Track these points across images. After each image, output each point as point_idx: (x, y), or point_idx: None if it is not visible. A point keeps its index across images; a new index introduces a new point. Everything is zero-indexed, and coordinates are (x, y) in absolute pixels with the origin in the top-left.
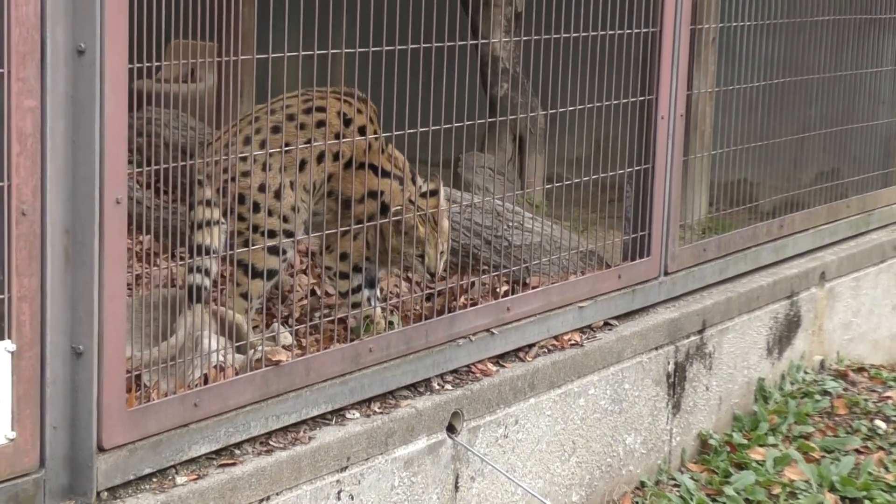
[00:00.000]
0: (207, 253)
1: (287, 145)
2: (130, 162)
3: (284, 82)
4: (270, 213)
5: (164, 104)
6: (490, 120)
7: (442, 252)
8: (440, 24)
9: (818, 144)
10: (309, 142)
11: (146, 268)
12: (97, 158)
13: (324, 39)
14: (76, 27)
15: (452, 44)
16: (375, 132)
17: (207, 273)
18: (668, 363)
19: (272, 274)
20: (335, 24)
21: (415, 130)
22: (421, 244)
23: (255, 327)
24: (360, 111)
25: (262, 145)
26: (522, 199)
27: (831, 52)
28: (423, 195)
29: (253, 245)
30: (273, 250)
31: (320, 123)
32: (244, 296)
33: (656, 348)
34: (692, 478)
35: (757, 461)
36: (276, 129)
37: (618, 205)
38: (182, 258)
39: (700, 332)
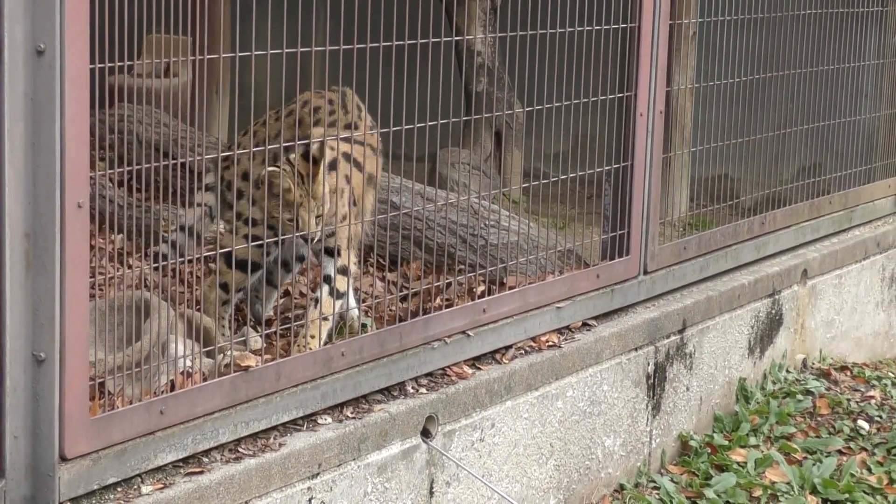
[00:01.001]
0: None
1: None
2: (102, 160)
3: (266, 80)
4: (253, 203)
5: (137, 100)
6: (469, 118)
7: (319, 216)
8: (417, 19)
9: (800, 140)
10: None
11: (118, 268)
12: (58, 161)
13: (301, 36)
14: (35, 27)
15: (430, 40)
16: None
17: (174, 246)
18: (648, 364)
19: (255, 267)
20: (312, 21)
21: (394, 128)
22: (293, 207)
23: (221, 318)
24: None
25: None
26: (500, 195)
27: (812, 46)
28: (304, 157)
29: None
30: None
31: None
32: (224, 286)
33: (636, 349)
34: (672, 480)
35: (738, 463)
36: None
37: (598, 201)
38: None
39: (680, 331)
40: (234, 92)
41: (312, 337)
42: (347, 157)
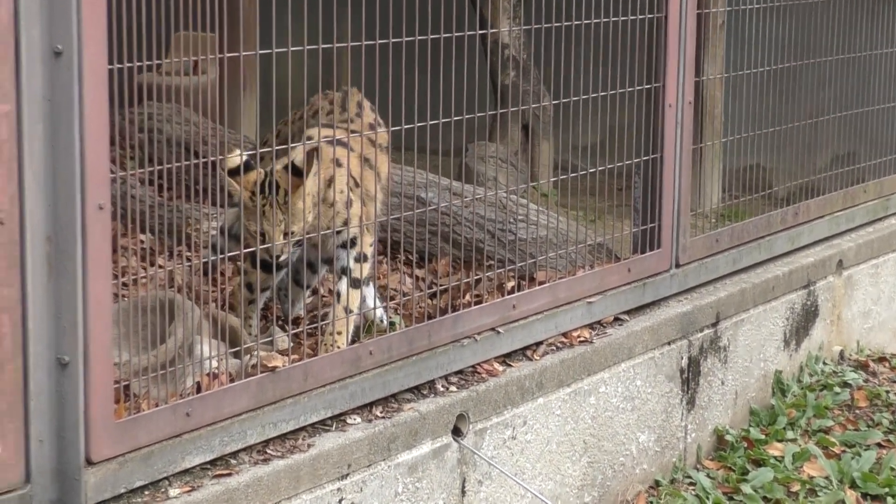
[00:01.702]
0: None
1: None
2: (131, 158)
3: (289, 76)
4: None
5: (165, 98)
6: (497, 112)
7: (291, 233)
8: (445, 13)
9: (833, 128)
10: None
11: (145, 268)
12: (78, 163)
13: (328, 33)
14: (52, 28)
15: (459, 34)
16: None
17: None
18: (682, 358)
19: (278, 267)
20: (339, 16)
21: (423, 124)
22: (257, 220)
23: (248, 318)
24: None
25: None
26: (530, 189)
27: (844, 32)
28: (286, 168)
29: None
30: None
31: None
32: (249, 286)
33: (669, 343)
34: (708, 475)
35: (775, 457)
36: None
37: (628, 193)
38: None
39: (714, 325)
40: (265, 89)
41: (339, 333)
42: (345, 150)
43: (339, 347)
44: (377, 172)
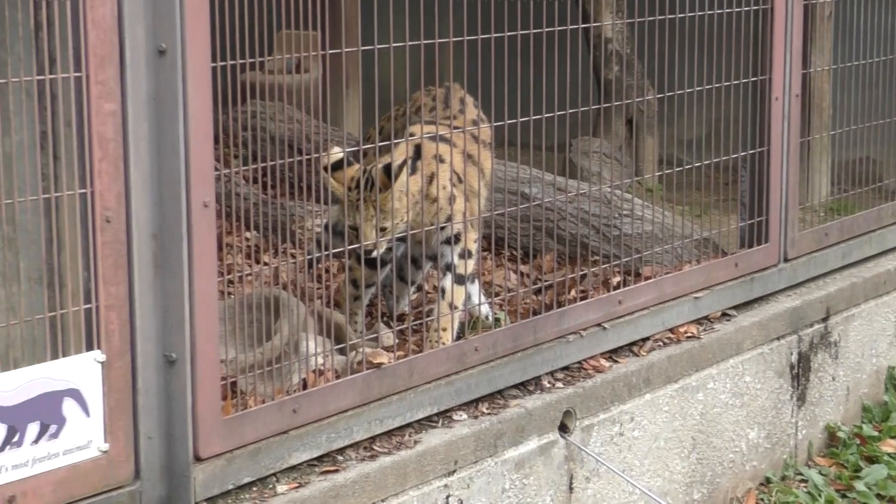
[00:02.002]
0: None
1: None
2: (236, 157)
3: (391, 73)
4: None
5: (269, 96)
6: (602, 106)
7: (384, 229)
8: (548, 7)
9: None
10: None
11: (250, 265)
12: (182, 161)
13: (430, 28)
14: (156, 27)
15: (562, 28)
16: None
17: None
18: (791, 353)
19: (382, 263)
20: (442, 12)
21: (527, 119)
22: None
23: (353, 315)
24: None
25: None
26: (635, 184)
27: None
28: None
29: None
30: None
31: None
32: (354, 282)
33: (778, 338)
34: (820, 472)
35: (889, 454)
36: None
37: (735, 187)
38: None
39: (824, 319)
40: (368, 86)
41: (444, 330)
42: (447, 146)
43: (443, 344)
44: (481, 169)
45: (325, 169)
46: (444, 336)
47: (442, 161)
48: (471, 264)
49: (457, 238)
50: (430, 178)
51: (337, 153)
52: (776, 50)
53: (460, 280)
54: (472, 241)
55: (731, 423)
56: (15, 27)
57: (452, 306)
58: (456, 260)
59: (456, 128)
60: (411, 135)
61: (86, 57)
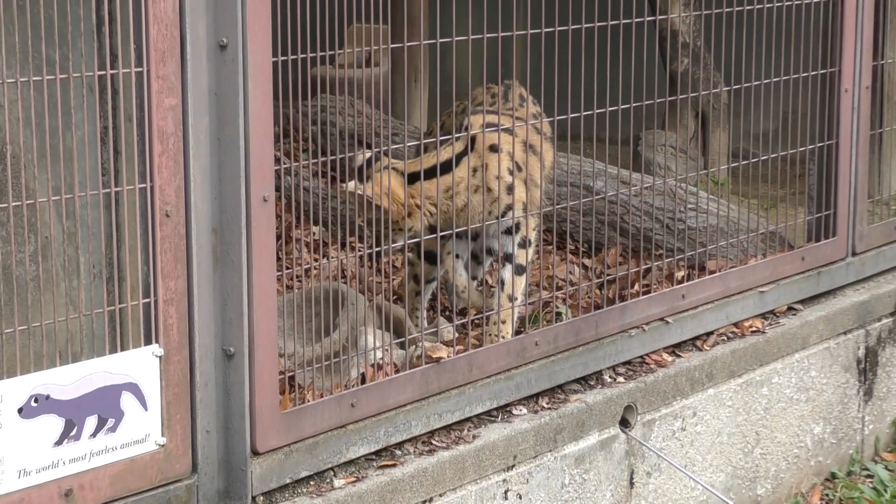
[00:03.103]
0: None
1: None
2: (304, 150)
3: (454, 67)
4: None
5: (339, 91)
6: (671, 99)
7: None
8: (616, 0)
9: None
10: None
11: (317, 259)
12: (242, 155)
13: (501, 20)
14: (217, 21)
15: (628, 21)
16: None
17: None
18: (858, 348)
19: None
20: (508, 5)
21: (591, 112)
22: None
23: (414, 310)
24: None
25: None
26: (706, 177)
27: None
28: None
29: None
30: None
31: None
32: (415, 278)
33: (845, 333)
34: (886, 468)
35: None
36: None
37: (802, 180)
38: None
39: (893, 314)
40: (435, 80)
41: (503, 322)
42: (505, 136)
43: (503, 337)
44: (542, 159)
45: (357, 170)
46: (504, 328)
47: (494, 151)
48: (530, 253)
49: (517, 227)
50: (480, 168)
51: (362, 154)
52: (846, 41)
53: (519, 270)
54: (532, 229)
55: (796, 417)
56: (77, 22)
57: (512, 298)
58: (515, 250)
59: (517, 118)
60: (467, 128)
61: (147, 52)
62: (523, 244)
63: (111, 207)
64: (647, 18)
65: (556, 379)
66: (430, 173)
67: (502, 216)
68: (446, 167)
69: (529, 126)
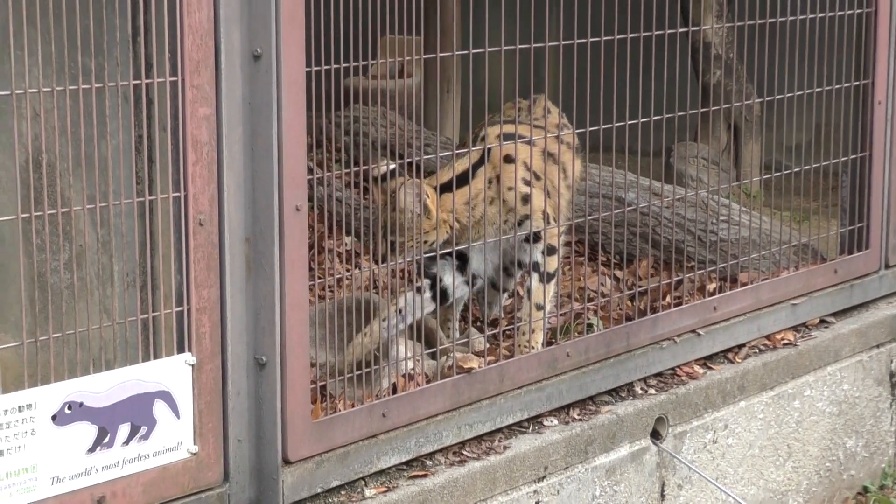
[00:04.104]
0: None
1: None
2: (338, 161)
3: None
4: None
5: (371, 101)
6: (704, 111)
7: (395, 242)
8: (649, 11)
9: None
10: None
11: (349, 269)
12: (276, 165)
13: (531, 32)
14: (252, 32)
15: (662, 32)
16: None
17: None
18: (892, 361)
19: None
20: (540, 15)
21: (623, 123)
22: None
23: (445, 321)
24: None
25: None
26: (739, 189)
27: None
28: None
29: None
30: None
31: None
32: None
33: (878, 346)
34: None
35: None
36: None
37: (835, 193)
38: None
39: None
40: (466, 90)
41: (533, 332)
42: (521, 146)
43: (534, 346)
44: (561, 167)
45: (375, 181)
46: (534, 338)
47: (510, 161)
48: (556, 261)
49: (536, 236)
50: (494, 180)
51: (384, 166)
52: (880, 53)
53: (546, 278)
54: (554, 236)
55: (828, 431)
56: (113, 32)
57: (540, 307)
58: (539, 258)
59: (536, 127)
60: (483, 138)
61: (182, 61)
62: (549, 252)
63: (145, 216)
64: (680, 30)
65: (587, 390)
66: (447, 186)
67: (520, 225)
68: (462, 179)
69: (551, 136)
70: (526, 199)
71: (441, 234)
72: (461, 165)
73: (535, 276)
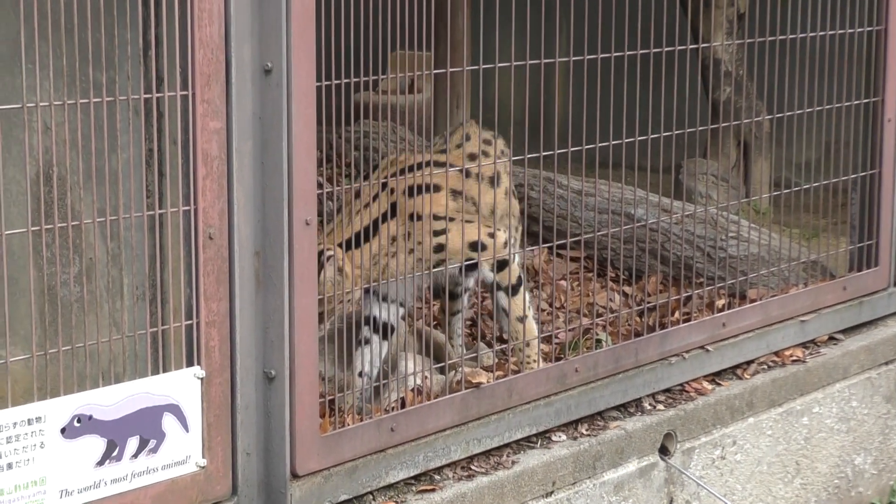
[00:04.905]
0: None
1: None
2: (347, 176)
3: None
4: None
5: (381, 116)
6: (713, 127)
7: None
8: (659, 28)
9: None
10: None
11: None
12: (285, 179)
13: (541, 48)
14: (262, 46)
15: (672, 48)
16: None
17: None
18: None
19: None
20: (551, 31)
21: (632, 139)
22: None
23: (450, 337)
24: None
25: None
26: (748, 206)
27: None
28: None
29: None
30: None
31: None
32: (442, 309)
33: (886, 363)
34: None
35: None
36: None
37: (845, 210)
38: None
39: None
40: (476, 106)
41: (527, 344)
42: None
43: (533, 361)
44: (474, 202)
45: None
46: (529, 352)
47: (419, 219)
48: (514, 269)
49: (471, 269)
50: (403, 236)
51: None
52: (890, 71)
53: (513, 291)
54: (501, 246)
55: (836, 448)
56: (124, 46)
57: (521, 318)
58: (492, 276)
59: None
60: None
61: (192, 76)
62: (500, 267)
63: (155, 229)
64: (690, 47)
65: (595, 406)
66: (354, 240)
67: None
68: (367, 232)
69: (457, 171)
70: (440, 247)
71: (357, 289)
72: (365, 217)
73: (500, 295)
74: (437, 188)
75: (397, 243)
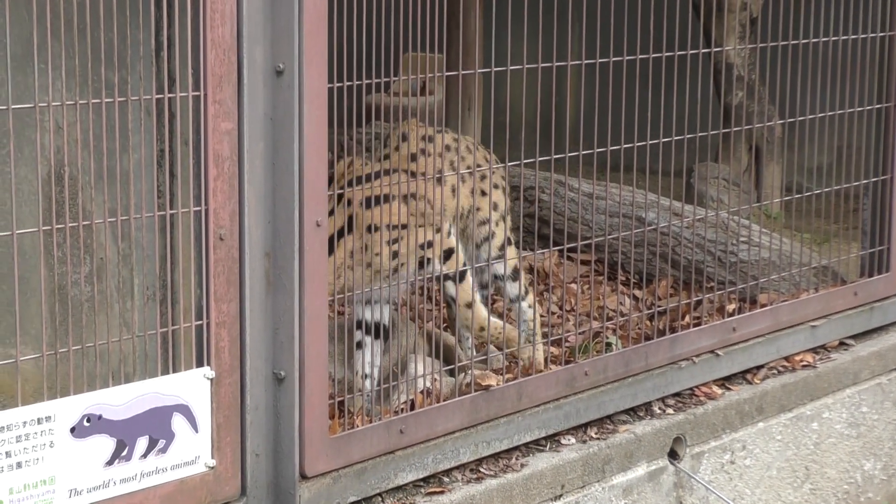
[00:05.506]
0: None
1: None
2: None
3: (507, 96)
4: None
5: (392, 118)
6: (725, 131)
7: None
8: (671, 31)
9: None
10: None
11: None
12: (296, 180)
13: (553, 51)
14: (275, 47)
15: (685, 52)
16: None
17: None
18: None
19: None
20: (563, 34)
21: (644, 143)
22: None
23: (459, 339)
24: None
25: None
26: (759, 210)
27: None
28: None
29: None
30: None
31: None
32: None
33: None
34: None
35: None
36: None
37: (856, 215)
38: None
39: None
40: (487, 108)
41: (512, 339)
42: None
43: (499, 330)
44: (427, 202)
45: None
46: (523, 354)
47: (374, 231)
48: (465, 288)
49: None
50: (360, 250)
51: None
52: None
53: (460, 277)
54: (460, 263)
55: (846, 453)
56: (137, 46)
57: (469, 305)
58: (452, 291)
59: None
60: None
61: (204, 76)
62: (457, 278)
63: (166, 230)
64: (703, 51)
65: (605, 409)
66: None
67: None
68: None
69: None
70: (395, 254)
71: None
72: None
73: (447, 284)
74: (390, 198)
75: (354, 257)
